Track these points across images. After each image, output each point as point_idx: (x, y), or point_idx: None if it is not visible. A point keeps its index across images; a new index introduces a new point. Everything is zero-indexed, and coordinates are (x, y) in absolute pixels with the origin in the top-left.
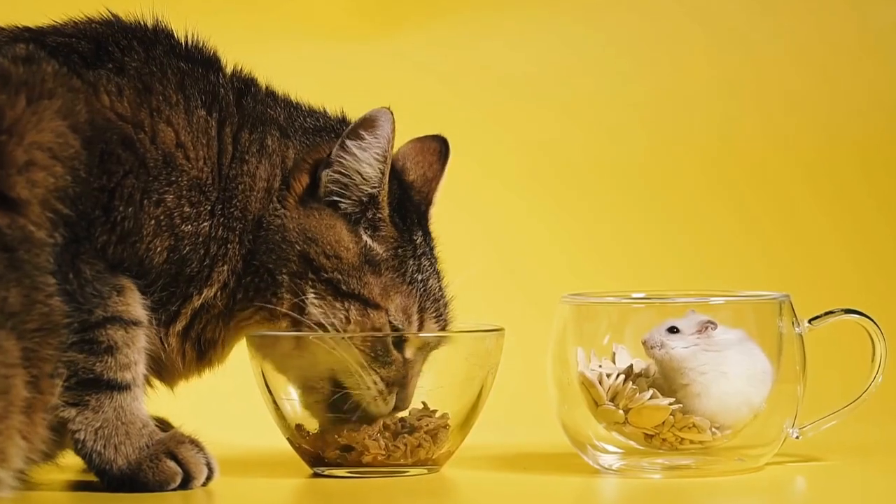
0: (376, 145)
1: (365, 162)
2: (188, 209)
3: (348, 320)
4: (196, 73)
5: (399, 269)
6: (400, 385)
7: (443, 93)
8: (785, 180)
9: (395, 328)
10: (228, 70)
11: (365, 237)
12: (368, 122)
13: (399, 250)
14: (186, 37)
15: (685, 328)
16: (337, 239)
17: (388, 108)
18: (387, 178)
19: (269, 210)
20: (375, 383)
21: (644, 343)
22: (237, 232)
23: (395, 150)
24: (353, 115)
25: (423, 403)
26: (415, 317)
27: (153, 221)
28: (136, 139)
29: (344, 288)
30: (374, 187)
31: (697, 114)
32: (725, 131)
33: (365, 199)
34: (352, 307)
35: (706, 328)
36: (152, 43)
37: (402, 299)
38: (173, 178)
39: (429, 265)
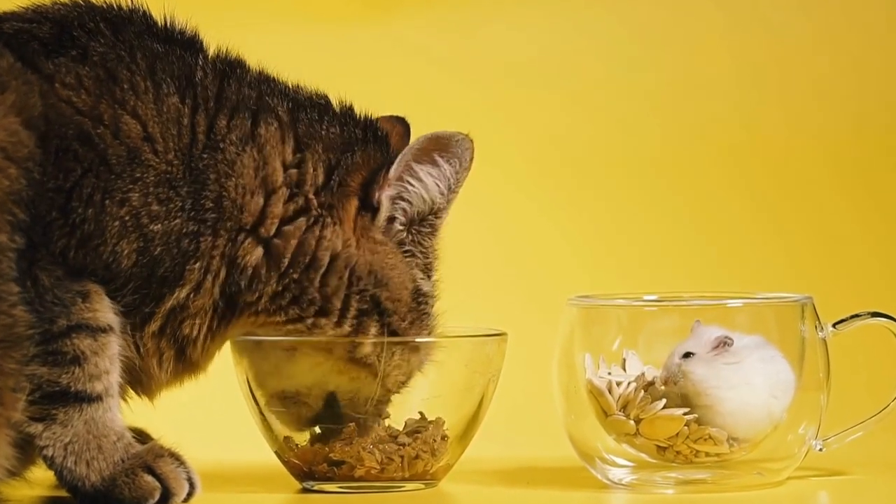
0: (453, 177)
1: (437, 192)
2: (156, 207)
3: (397, 361)
4: (171, 55)
5: (432, 297)
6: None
7: (443, 80)
8: (809, 174)
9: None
10: (212, 52)
11: (417, 276)
12: (444, 146)
13: (432, 276)
14: (164, 18)
15: (699, 348)
16: (401, 283)
17: (468, 136)
18: (450, 207)
19: (301, 222)
20: (381, 411)
21: (665, 382)
22: (209, 224)
23: None
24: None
25: (420, 413)
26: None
27: (117, 223)
28: (94, 134)
29: (399, 332)
30: (438, 216)
31: (716, 102)
32: (746, 121)
33: (426, 229)
34: (398, 351)
35: (723, 344)
36: (123, 24)
37: (426, 331)
38: (138, 175)
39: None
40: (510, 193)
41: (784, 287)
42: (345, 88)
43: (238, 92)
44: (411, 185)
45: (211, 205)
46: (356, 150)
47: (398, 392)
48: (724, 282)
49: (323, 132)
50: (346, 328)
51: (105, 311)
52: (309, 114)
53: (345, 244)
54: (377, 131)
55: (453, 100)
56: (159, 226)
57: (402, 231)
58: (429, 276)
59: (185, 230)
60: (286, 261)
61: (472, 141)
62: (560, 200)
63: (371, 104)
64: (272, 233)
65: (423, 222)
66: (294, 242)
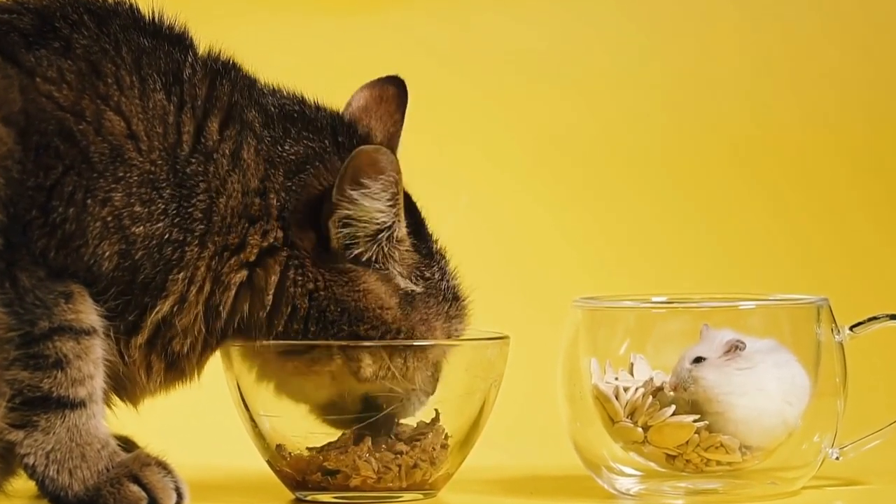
0: (385, 191)
1: (377, 210)
2: (139, 209)
3: (407, 368)
4: (158, 50)
5: (431, 291)
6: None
7: (444, 72)
8: (824, 170)
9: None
10: (203, 50)
11: (398, 281)
12: (368, 167)
13: (426, 272)
14: (152, 12)
15: (710, 352)
16: (379, 306)
17: (384, 146)
18: (402, 215)
19: (274, 261)
20: (419, 398)
21: (675, 388)
22: (196, 234)
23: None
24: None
25: (436, 411)
26: (451, 329)
27: (98, 223)
28: (76, 130)
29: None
30: (394, 230)
31: (727, 96)
32: (758, 115)
33: (385, 246)
34: (408, 357)
35: (735, 348)
36: (108, 17)
37: (440, 323)
38: (121, 174)
39: (445, 264)
40: (511, 190)
41: (799, 288)
42: (341, 80)
43: (230, 95)
44: (349, 208)
45: (200, 215)
46: (310, 169)
47: (431, 389)
48: (735, 283)
49: (284, 153)
50: (338, 361)
51: (89, 312)
52: (274, 130)
53: (316, 285)
54: (337, 136)
55: (453, 93)
56: (141, 228)
57: (364, 252)
58: (420, 275)
59: (168, 237)
60: (269, 301)
61: (387, 150)
62: (564, 198)
63: None
64: (252, 259)
65: (379, 239)
66: (274, 280)
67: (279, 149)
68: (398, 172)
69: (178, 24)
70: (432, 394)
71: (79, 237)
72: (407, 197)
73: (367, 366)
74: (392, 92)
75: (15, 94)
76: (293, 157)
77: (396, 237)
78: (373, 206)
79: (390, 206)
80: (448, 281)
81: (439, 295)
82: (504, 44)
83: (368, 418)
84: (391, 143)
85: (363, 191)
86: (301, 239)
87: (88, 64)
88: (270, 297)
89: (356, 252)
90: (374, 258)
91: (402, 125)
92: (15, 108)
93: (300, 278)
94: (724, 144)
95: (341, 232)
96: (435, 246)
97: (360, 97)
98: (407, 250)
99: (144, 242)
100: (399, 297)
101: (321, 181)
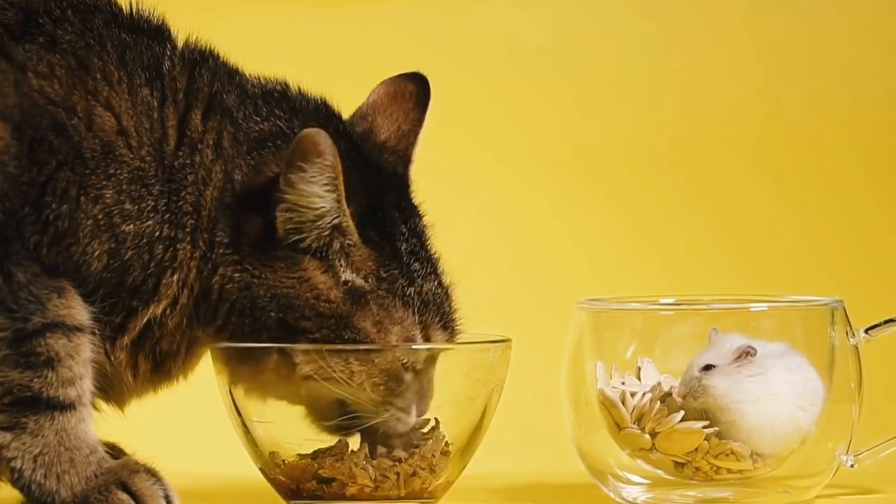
0: (321, 175)
1: (315, 195)
2: (129, 206)
3: (351, 372)
4: (140, 44)
5: (388, 293)
6: (419, 397)
7: (443, 65)
8: (838, 167)
9: (401, 360)
10: (181, 41)
11: (344, 274)
12: (305, 149)
13: (382, 271)
14: (130, 4)
15: (720, 359)
16: (315, 295)
17: (321, 128)
18: (345, 204)
19: (222, 251)
20: (391, 412)
21: (684, 397)
22: (188, 230)
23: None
24: (337, 96)
25: (436, 419)
26: (419, 336)
27: (90, 221)
28: (68, 125)
29: (337, 342)
30: (335, 217)
31: (737, 90)
32: (769, 110)
33: (326, 232)
34: (349, 358)
35: (745, 354)
36: (91, 11)
37: (399, 328)
38: (112, 171)
39: (419, 266)
40: (514, 188)
41: (812, 290)
42: (339, 74)
43: (211, 85)
44: (291, 193)
45: (189, 209)
46: (270, 147)
47: (391, 395)
48: (746, 284)
49: (249, 130)
50: (275, 357)
51: (79, 308)
52: (247, 108)
53: (252, 273)
54: (309, 121)
55: (453, 87)
56: (131, 226)
57: (305, 238)
58: (373, 273)
59: (158, 234)
60: (213, 299)
61: (317, 132)
62: (569, 196)
63: (366, 90)
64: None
65: (320, 226)
66: (218, 281)
67: (247, 125)
68: (335, 156)
69: (156, 17)
70: (404, 409)
71: (70, 235)
72: (368, 187)
73: (303, 363)
74: (411, 89)
75: (9, 89)
76: (256, 134)
77: (339, 226)
78: (310, 190)
79: (328, 191)
80: (420, 286)
81: (398, 298)
82: (506, 36)
83: (348, 426)
84: (400, 141)
85: (301, 174)
86: (246, 222)
87: (76, 59)
88: (214, 296)
89: (296, 238)
90: (315, 246)
91: (420, 124)
92: (10, 103)
93: (238, 274)
94: (734, 142)
95: (284, 216)
96: (405, 246)
97: (374, 93)
98: (353, 244)
99: (134, 241)
100: (343, 291)
101: (279, 163)
